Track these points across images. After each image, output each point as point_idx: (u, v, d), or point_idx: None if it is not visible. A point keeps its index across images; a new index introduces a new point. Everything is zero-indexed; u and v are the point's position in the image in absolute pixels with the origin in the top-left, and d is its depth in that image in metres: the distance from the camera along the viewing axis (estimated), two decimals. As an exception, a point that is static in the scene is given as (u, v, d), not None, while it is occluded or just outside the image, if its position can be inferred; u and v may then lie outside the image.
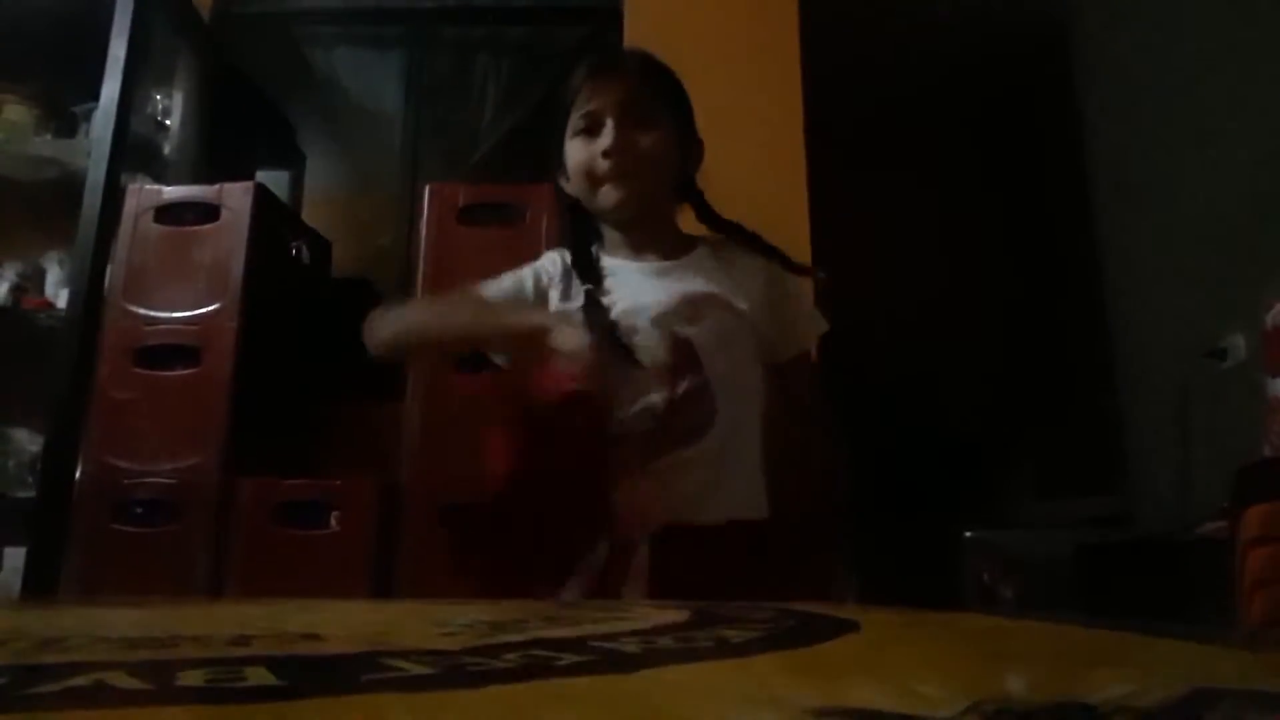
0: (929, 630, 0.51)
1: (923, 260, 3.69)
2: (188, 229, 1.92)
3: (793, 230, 2.28)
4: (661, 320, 1.07)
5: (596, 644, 0.37)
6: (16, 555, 1.77)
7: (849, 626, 0.46)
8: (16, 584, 1.74)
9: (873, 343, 3.31)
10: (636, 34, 2.45)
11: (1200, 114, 2.42)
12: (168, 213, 1.93)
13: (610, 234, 1.17)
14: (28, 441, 2.10)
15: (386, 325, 1.09)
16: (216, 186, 1.96)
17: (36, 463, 2.01)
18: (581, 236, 1.17)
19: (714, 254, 1.16)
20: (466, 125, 2.71)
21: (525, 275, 1.14)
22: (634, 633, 0.41)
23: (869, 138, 3.53)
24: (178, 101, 2.41)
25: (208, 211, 1.92)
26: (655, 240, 1.16)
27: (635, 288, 1.10)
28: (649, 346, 1.05)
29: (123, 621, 0.48)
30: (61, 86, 2.24)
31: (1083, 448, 3.10)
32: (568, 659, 0.33)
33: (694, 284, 1.10)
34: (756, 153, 2.34)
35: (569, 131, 1.12)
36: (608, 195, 1.10)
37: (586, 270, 1.12)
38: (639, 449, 1.02)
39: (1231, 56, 2.29)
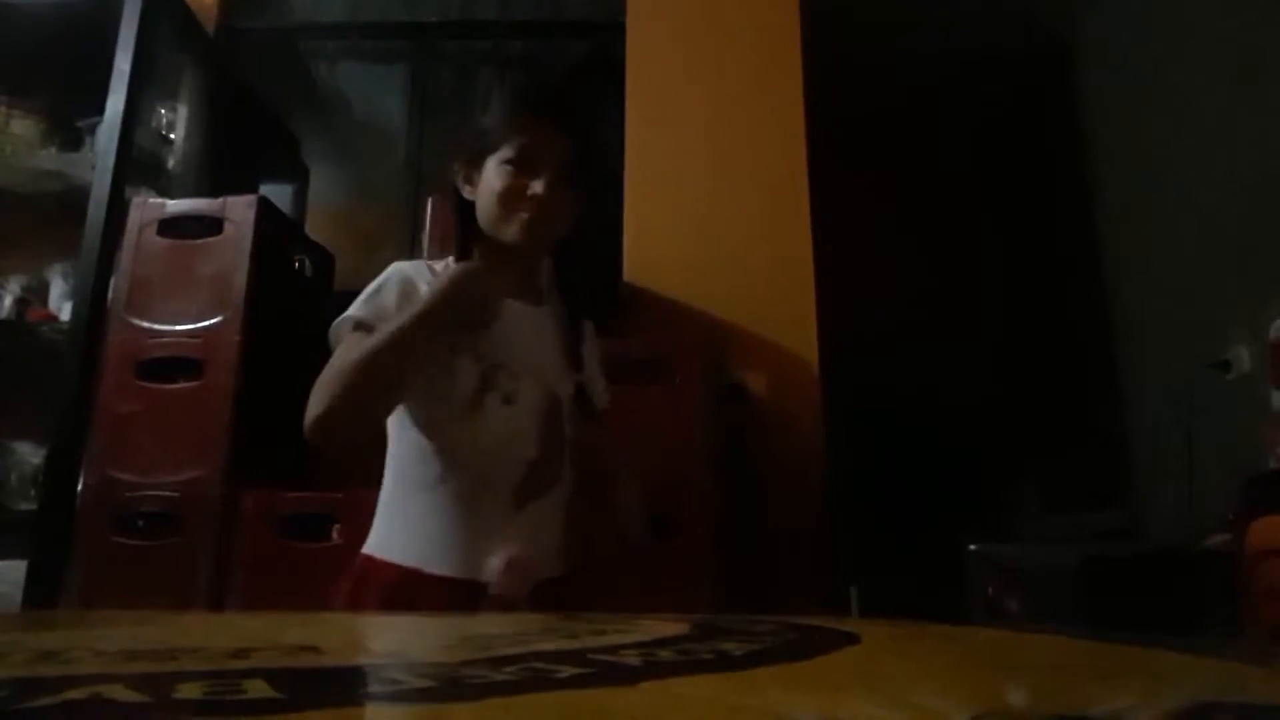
0: (929, 643, 0.51)
1: (927, 273, 3.69)
2: (191, 242, 1.92)
3: (795, 240, 2.28)
4: (539, 370, 1.14)
5: (596, 656, 0.37)
6: (18, 568, 1.77)
7: (850, 639, 0.46)
8: (17, 597, 1.74)
9: (877, 355, 3.31)
10: (638, 47, 2.47)
11: (1204, 125, 2.43)
12: (171, 226, 1.93)
13: (487, 258, 1.18)
14: (30, 454, 2.10)
15: (314, 403, 1.04)
16: (220, 200, 1.97)
17: (39, 475, 2.01)
18: (466, 244, 1.19)
19: (557, 309, 1.22)
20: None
21: (393, 285, 1.13)
22: (634, 645, 0.41)
23: (871, 147, 3.55)
24: (182, 115, 2.42)
25: (211, 225, 1.93)
26: (526, 282, 1.20)
27: (512, 324, 1.13)
28: (527, 392, 1.11)
29: (122, 634, 0.48)
30: (67, 100, 2.25)
31: (1088, 461, 3.09)
32: (567, 671, 0.33)
33: (556, 338, 1.19)
34: (758, 164, 2.35)
35: (496, 154, 1.13)
36: (514, 231, 1.12)
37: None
38: (506, 498, 1.10)
39: (1235, 69, 2.29)
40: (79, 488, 1.80)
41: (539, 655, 0.37)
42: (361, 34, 2.86)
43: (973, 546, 2.28)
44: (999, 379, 3.61)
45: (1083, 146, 3.23)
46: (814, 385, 2.20)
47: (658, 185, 2.35)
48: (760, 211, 2.31)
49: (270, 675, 0.31)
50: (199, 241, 1.92)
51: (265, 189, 2.41)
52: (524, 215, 1.11)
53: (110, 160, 1.99)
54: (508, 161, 1.12)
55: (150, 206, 1.97)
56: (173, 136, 2.40)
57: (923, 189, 3.73)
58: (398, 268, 1.16)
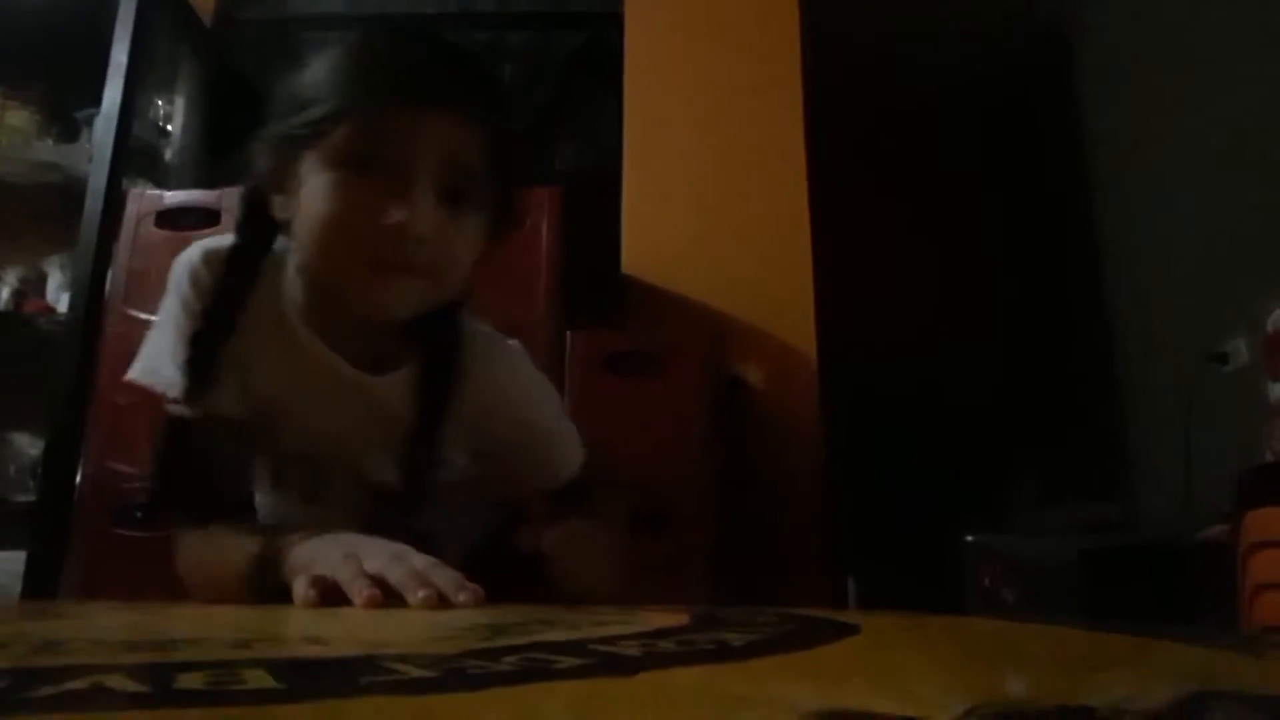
0: (929, 634, 0.51)
1: (926, 267, 3.69)
2: (189, 233, 1.92)
3: (794, 232, 2.28)
4: (358, 462, 0.83)
5: (596, 646, 0.37)
6: (17, 559, 1.77)
7: (849, 630, 0.46)
8: (17, 587, 1.74)
9: (876, 348, 3.31)
10: (637, 38, 2.46)
11: (1201, 119, 2.43)
12: (169, 217, 1.93)
13: (310, 298, 0.80)
14: (28, 445, 2.10)
15: (197, 577, 0.85)
16: (218, 191, 1.96)
17: (37, 467, 2.01)
18: (248, 274, 0.81)
19: (414, 372, 0.81)
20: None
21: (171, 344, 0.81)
22: (634, 635, 0.41)
23: (871, 146, 3.54)
24: (179, 107, 2.42)
25: (209, 216, 1.93)
26: (370, 348, 0.81)
27: (329, 406, 0.81)
28: (338, 490, 0.83)
29: (121, 624, 0.48)
30: (63, 92, 2.24)
31: (1085, 452, 3.10)
32: (568, 661, 0.33)
33: (392, 418, 0.81)
34: (757, 157, 2.34)
35: (319, 147, 0.71)
36: (373, 291, 0.72)
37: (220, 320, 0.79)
38: None
39: (1232, 63, 2.29)
40: (77, 479, 1.80)
41: (540, 646, 0.37)
42: (359, 25, 2.85)
43: (970, 538, 2.28)
44: (997, 371, 3.61)
45: (1081, 140, 3.23)
46: (812, 378, 2.20)
47: (657, 178, 2.34)
48: (760, 204, 2.31)
49: (271, 665, 0.31)
50: (197, 233, 1.92)
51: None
52: (370, 264, 0.70)
53: (107, 152, 1.98)
54: (343, 163, 0.69)
55: (148, 198, 1.96)
56: (170, 128, 2.40)
57: (922, 184, 3.73)
58: (174, 287, 0.82)
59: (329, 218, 0.69)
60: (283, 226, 0.78)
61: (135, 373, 0.84)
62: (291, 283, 0.81)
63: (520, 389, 0.88)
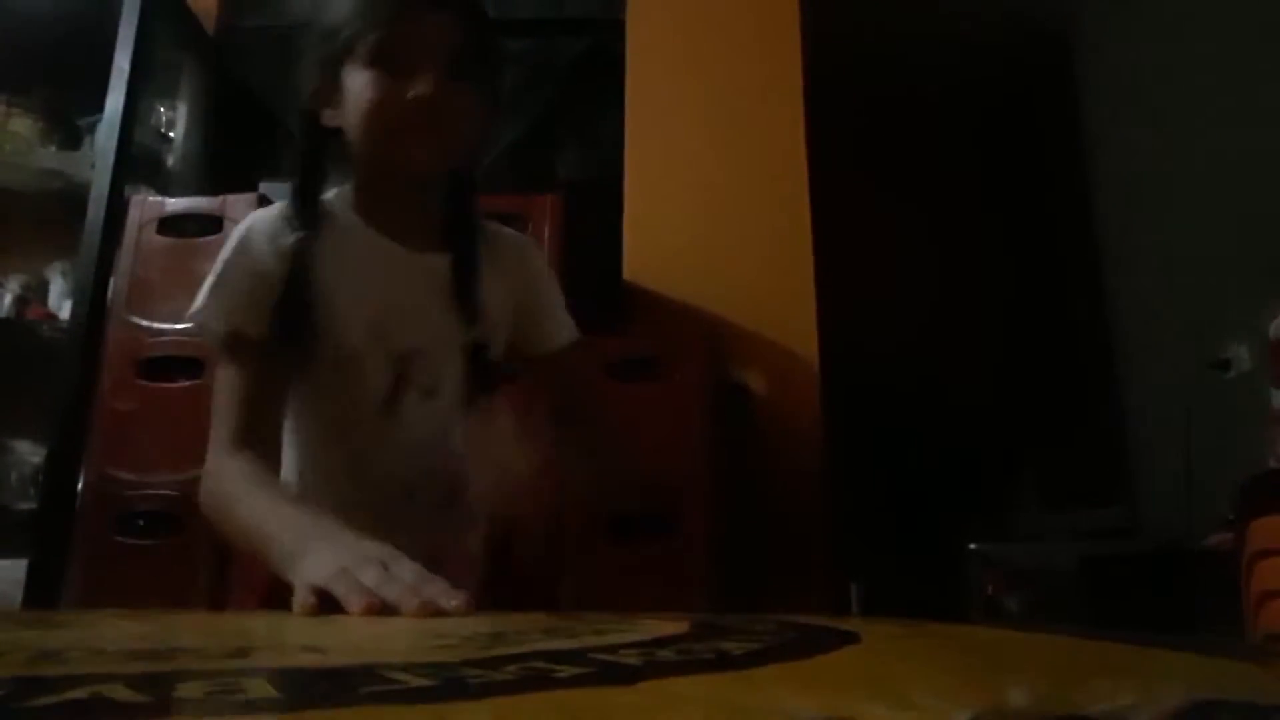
0: (929, 642, 0.51)
1: (927, 270, 3.69)
2: (191, 240, 1.92)
3: (795, 238, 2.29)
4: (446, 341, 0.99)
5: (596, 656, 0.37)
6: (18, 567, 1.77)
7: (849, 638, 0.46)
8: (18, 595, 1.74)
9: (877, 355, 3.31)
10: (638, 44, 2.46)
11: (1201, 120, 2.43)
12: (171, 224, 1.94)
13: (366, 192, 1.02)
14: (30, 453, 2.10)
15: (212, 503, 0.88)
16: (220, 198, 1.97)
17: (38, 474, 2.01)
18: (317, 178, 1.01)
19: (451, 253, 1.02)
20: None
21: (242, 279, 0.96)
22: (634, 644, 0.41)
23: (872, 148, 3.54)
24: (181, 113, 2.43)
25: (211, 223, 1.93)
26: (416, 222, 1.02)
27: (408, 288, 0.99)
28: (449, 379, 0.99)
29: (121, 634, 0.48)
30: (66, 99, 2.25)
31: (1087, 459, 3.09)
32: (568, 670, 0.33)
33: (448, 291, 1.00)
34: (758, 163, 2.35)
35: (353, 59, 0.93)
36: (414, 151, 0.93)
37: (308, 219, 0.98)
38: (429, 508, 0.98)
39: (1233, 70, 2.29)
40: (79, 487, 1.80)
41: (539, 654, 0.37)
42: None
43: (972, 545, 2.28)
44: (999, 377, 3.61)
45: (1082, 145, 3.23)
46: (814, 383, 2.20)
47: (658, 184, 2.35)
48: (761, 210, 2.31)
49: (271, 675, 0.31)
50: (199, 240, 1.92)
51: (264, 187, 2.40)
52: (407, 131, 0.91)
53: (110, 158, 1.99)
54: (373, 63, 0.91)
55: (150, 205, 1.97)
56: (172, 135, 2.41)
57: (923, 188, 3.73)
58: (244, 237, 1.00)
59: (373, 102, 0.91)
60: (331, 135, 0.98)
61: (218, 325, 0.95)
62: (345, 201, 1.02)
63: (535, 259, 1.13)
